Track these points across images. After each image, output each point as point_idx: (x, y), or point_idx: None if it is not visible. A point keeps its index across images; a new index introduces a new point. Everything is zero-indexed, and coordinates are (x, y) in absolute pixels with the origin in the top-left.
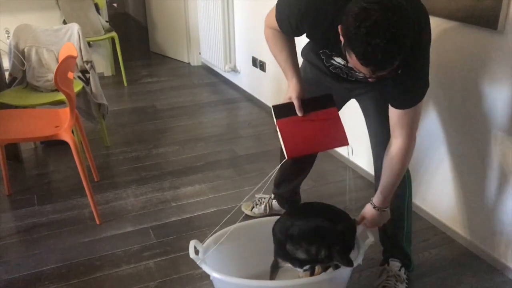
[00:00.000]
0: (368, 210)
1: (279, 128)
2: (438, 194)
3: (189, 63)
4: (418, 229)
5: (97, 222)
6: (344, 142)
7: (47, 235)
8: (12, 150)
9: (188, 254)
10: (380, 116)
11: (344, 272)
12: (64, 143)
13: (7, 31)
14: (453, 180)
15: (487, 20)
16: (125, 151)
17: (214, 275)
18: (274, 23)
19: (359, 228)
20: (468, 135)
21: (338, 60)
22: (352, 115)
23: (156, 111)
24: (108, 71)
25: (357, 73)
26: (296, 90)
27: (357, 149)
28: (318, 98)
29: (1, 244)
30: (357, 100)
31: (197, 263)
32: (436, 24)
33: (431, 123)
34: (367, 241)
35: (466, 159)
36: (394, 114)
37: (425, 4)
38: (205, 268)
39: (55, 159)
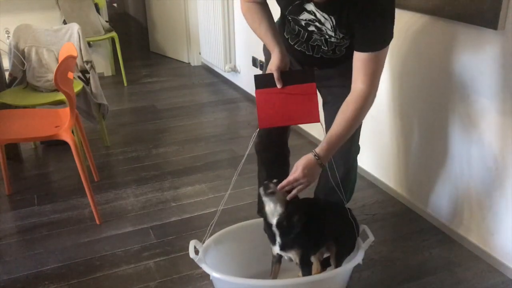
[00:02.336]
0: (306, 157)
1: (256, 98)
2: (438, 194)
3: (189, 63)
4: (418, 229)
5: (97, 222)
6: (315, 119)
7: (47, 235)
8: (12, 150)
9: (188, 254)
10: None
11: (344, 271)
12: (64, 143)
13: (7, 31)
14: (453, 181)
15: (487, 20)
16: (125, 151)
17: (214, 274)
18: None
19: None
20: (470, 135)
21: (310, 7)
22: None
23: (156, 111)
24: (108, 71)
25: (325, 35)
26: (276, 63)
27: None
28: (300, 72)
29: (1, 244)
30: (320, 92)
31: (197, 262)
32: (436, 23)
33: (432, 122)
34: (367, 240)
35: (468, 161)
36: (358, 59)
37: (424, 3)
38: (205, 268)
39: (55, 159)
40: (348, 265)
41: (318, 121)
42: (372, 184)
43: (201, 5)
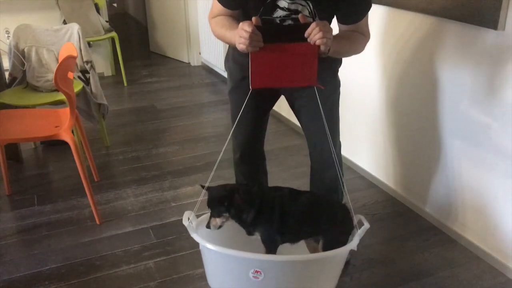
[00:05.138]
0: None
1: (250, 56)
2: (438, 194)
3: (189, 63)
4: (418, 229)
5: (97, 222)
6: (312, 81)
7: (47, 235)
8: (12, 150)
9: (188, 254)
10: (314, 121)
11: (336, 254)
12: (64, 143)
13: (7, 31)
14: (453, 181)
15: (487, 20)
16: (125, 151)
17: (205, 245)
18: (215, 6)
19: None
20: (470, 135)
21: (283, 4)
22: (351, 114)
23: (156, 111)
24: (108, 71)
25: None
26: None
27: (357, 149)
28: (304, 26)
29: (1, 244)
30: (291, 98)
31: (188, 229)
32: (435, 23)
33: (432, 122)
34: (363, 227)
35: (468, 161)
36: (349, 29)
37: (424, 3)
38: (196, 237)
39: (55, 159)
40: (341, 249)
41: (315, 84)
42: (372, 184)
43: (201, 5)
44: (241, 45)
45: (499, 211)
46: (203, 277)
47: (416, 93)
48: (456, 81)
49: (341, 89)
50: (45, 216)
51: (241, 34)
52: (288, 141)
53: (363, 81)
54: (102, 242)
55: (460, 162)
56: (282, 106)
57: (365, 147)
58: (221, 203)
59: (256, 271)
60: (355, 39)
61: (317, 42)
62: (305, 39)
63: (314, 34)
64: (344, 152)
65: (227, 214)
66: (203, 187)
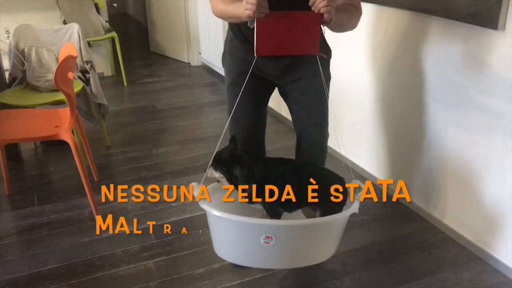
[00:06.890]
0: None
1: (256, 24)
2: (438, 194)
3: (189, 63)
4: (419, 229)
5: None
6: (313, 50)
7: (47, 235)
8: (12, 150)
9: (188, 254)
10: (306, 112)
11: (338, 218)
12: (64, 143)
13: (7, 31)
14: (453, 181)
15: (487, 20)
16: (125, 151)
17: (214, 213)
18: None
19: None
20: (470, 135)
21: None
22: (351, 115)
23: (156, 111)
24: (108, 71)
25: None
26: None
27: (357, 149)
28: None
29: (1, 244)
30: (285, 91)
31: (198, 202)
32: (435, 23)
33: (432, 122)
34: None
35: (468, 161)
36: (343, 1)
37: (424, 3)
38: (205, 207)
39: (55, 159)
40: (345, 213)
41: (317, 53)
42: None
43: (201, 5)
44: (247, 11)
45: (499, 210)
46: (203, 277)
47: (415, 93)
48: (455, 81)
49: (339, 89)
50: (45, 216)
51: (248, 0)
52: (288, 141)
53: (358, 81)
54: (102, 242)
55: (460, 162)
56: (282, 106)
57: (365, 147)
58: (221, 165)
59: (267, 237)
60: (351, 12)
61: (322, 10)
62: (309, 8)
63: (319, 2)
64: (344, 152)
65: (222, 175)
66: (233, 138)
